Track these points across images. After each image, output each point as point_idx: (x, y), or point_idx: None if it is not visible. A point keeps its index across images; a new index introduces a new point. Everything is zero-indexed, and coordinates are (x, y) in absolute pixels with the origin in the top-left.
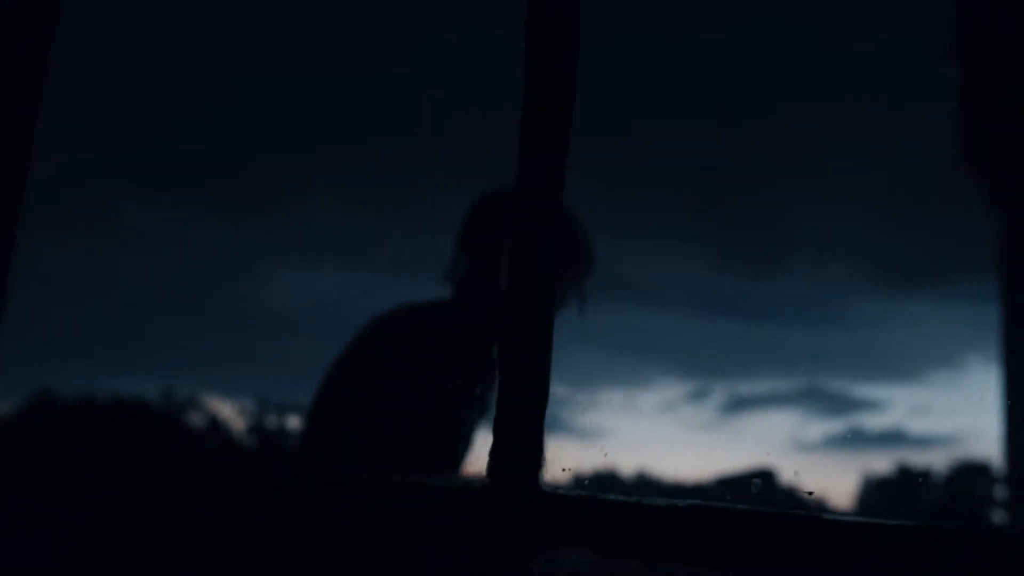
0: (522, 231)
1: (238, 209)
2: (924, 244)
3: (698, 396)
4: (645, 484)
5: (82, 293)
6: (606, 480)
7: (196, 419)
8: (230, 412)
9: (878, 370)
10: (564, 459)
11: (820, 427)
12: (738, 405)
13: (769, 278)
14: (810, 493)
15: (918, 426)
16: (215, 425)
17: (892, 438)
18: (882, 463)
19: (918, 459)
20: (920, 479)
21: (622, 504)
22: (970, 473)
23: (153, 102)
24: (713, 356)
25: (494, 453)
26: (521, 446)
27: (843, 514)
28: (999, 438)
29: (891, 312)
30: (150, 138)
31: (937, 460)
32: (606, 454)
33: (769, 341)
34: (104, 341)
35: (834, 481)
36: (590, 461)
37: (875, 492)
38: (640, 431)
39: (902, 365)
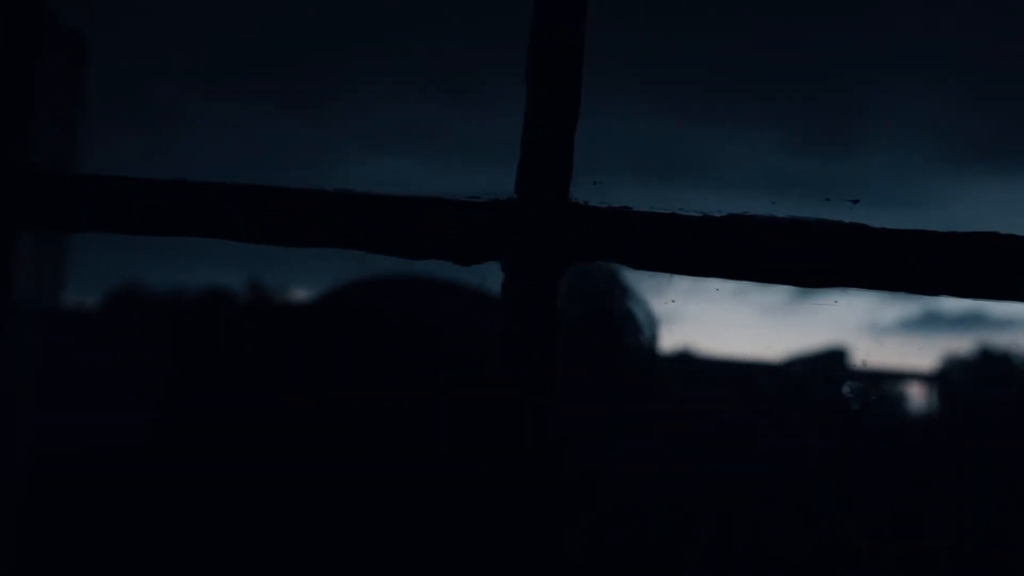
0: None
1: (303, 101)
2: (1004, 120)
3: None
4: (719, 364)
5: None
6: (683, 357)
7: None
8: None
9: None
10: None
11: (895, 310)
12: (811, 289)
13: (842, 159)
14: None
15: (1000, 308)
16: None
17: (972, 320)
18: (962, 344)
19: (1000, 340)
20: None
21: (655, 216)
22: None
23: None
24: None
25: (522, 165)
26: (550, 156)
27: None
28: None
29: (969, 191)
30: (211, 32)
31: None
32: (673, 301)
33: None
34: (187, 238)
35: (911, 362)
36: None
37: (956, 372)
38: (712, 315)
39: None
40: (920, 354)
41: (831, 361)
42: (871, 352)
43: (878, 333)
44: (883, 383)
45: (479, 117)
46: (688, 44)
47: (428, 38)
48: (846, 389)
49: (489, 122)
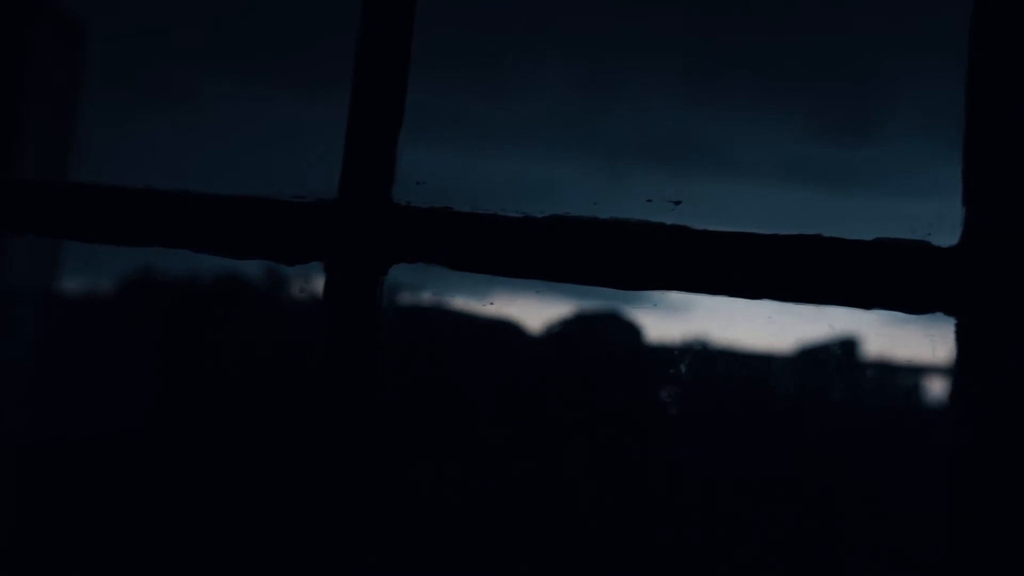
0: None
1: (313, 84)
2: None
3: None
4: (729, 354)
5: (171, 171)
6: (696, 348)
7: (295, 292)
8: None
9: None
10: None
11: None
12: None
13: (863, 147)
14: None
15: None
16: (313, 298)
17: None
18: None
19: None
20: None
21: (475, 216)
22: None
23: None
24: (804, 227)
25: (345, 165)
26: (372, 155)
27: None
28: None
29: None
30: (209, 16)
31: None
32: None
33: (861, 211)
34: None
35: (925, 349)
36: (678, 332)
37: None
38: (728, 303)
39: None
40: (937, 346)
41: (843, 351)
42: (886, 343)
43: (896, 322)
44: (898, 375)
45: (499, 99)
46: (706, 29)
47: (444, 19)
48: (663, 395)
49: (514, 105)
